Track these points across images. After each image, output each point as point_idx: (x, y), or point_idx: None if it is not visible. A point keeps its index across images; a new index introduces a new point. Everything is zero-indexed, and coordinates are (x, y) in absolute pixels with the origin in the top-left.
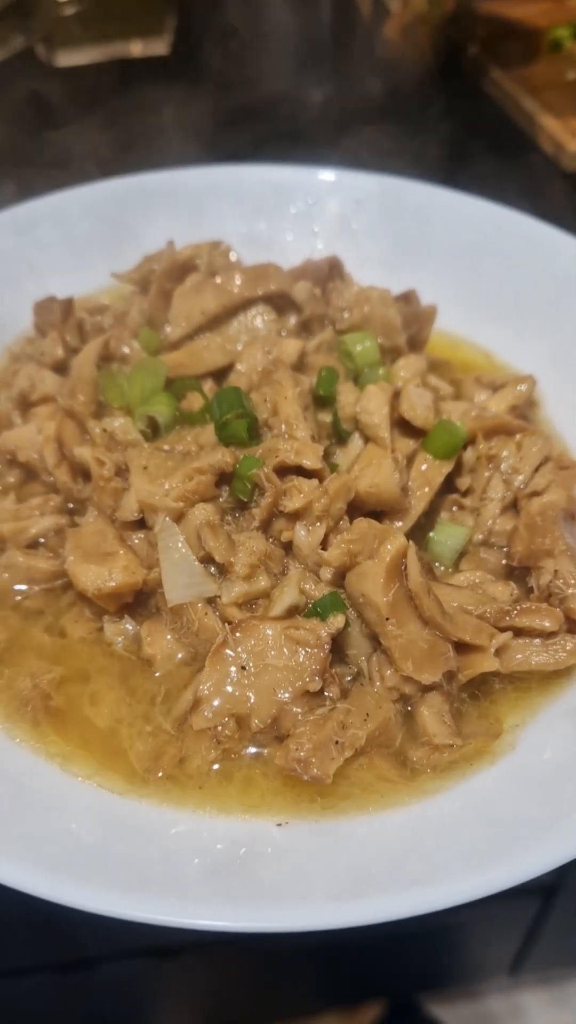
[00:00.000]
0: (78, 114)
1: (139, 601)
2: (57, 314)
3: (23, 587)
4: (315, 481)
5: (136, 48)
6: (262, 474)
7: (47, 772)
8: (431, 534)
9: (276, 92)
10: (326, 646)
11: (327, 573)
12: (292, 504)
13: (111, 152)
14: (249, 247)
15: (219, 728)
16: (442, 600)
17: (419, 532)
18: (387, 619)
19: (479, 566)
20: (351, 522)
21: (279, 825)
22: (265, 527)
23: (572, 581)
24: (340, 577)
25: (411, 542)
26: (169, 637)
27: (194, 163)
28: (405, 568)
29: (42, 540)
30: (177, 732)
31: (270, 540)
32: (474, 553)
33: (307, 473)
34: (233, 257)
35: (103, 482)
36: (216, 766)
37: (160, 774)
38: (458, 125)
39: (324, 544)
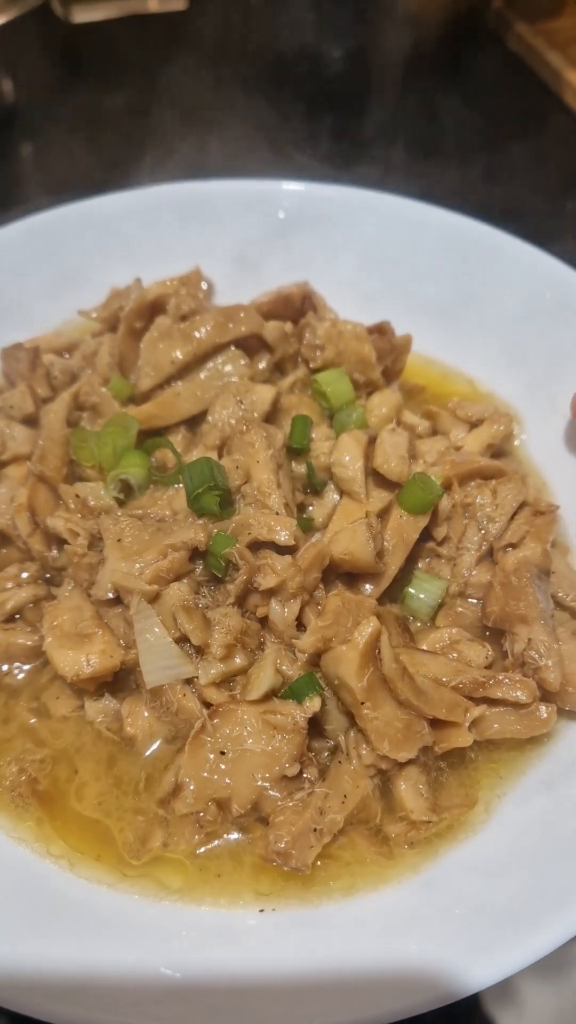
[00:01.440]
0: (95, 71)
1: (119, 678)
2: (25, 363)
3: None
4: (288, 558)
5: (153, 3)
6: (235, 552)
7: (29, 859)
8: (408, 588)
9: (296, 49)
10: (303, 731)
11: (303, 655)
12: (266, 583)
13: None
14: (221, 265)
15: (201, 813)
16: (417, 670)
17: (395, 583)
18: (362, 703)
19: (456, 621)
20: (326, 582)
21: (261, 911)
22: (240, 602)
23: (543, 651)
24: (316, 657)
25: (384, 626)
26: (148, 715)
27: (172, 178)
28: (379, 652)
29: (17, 616)
30: (162, 813)
31: (246, 614)
32: (451, 606)
33: (281, 546)
34: (205, 287)
35: (77, 558)
36: (201, 849)
37: (147, 857)
38: (481, 81)
39: (300, 615)
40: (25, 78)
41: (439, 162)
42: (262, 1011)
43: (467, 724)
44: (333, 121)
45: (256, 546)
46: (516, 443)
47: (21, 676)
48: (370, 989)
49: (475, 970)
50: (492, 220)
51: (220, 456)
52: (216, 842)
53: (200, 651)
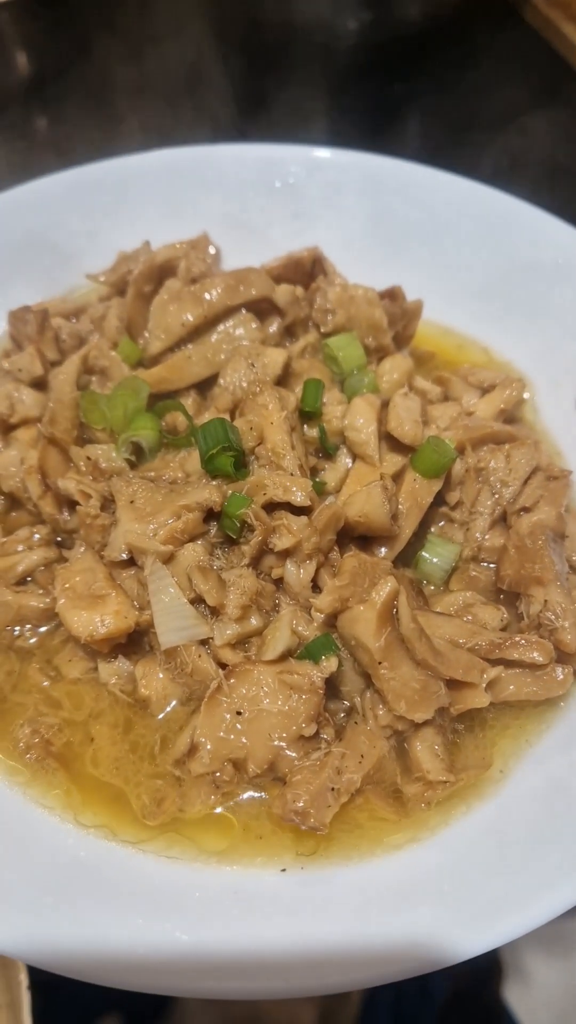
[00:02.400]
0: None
1: (133, 640)
2: (33, 326)
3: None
4: (304, 518)
5: None
6: (250, 513)
7: (47, 820)
8: (422, 552)
9: (309, 20)
10: (320, 691)
11: (319, 615)
12: (282, 543)
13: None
14: (230, 230)
15: (217, 773)
16: (433, 632)
17: (408, 547)
18: (380, 663)
19: (469, 585)
20: (340, 547)
21: (283, 871)
22: (255, 563)
23: (560, 612)
24: (332, 617)
25: (401, 586)
26: (163, 677)
27: (174, 143)
28: (396, 612)
29: (29, 578)
30: (177, 774)
31: (261, 576)
32: (464, 570)
33: (296, 507)
34: (213, 251)
35: (90, 519)
36: (218, 810)
37: (162, 819)
38: (497, 54)
39: (315, 577)
40: (38, 52)
41: (454, 135)
42: (275, 972)
43: (484, 685)
44: (347, 93)
45: (271, 507)
46: (529, 411)
47: (33, 640)
48: (382, 950)
49: (486, 931)
50: (507, 191)
51: (232, 419)
52: (231, 802)
53: (215, 612)
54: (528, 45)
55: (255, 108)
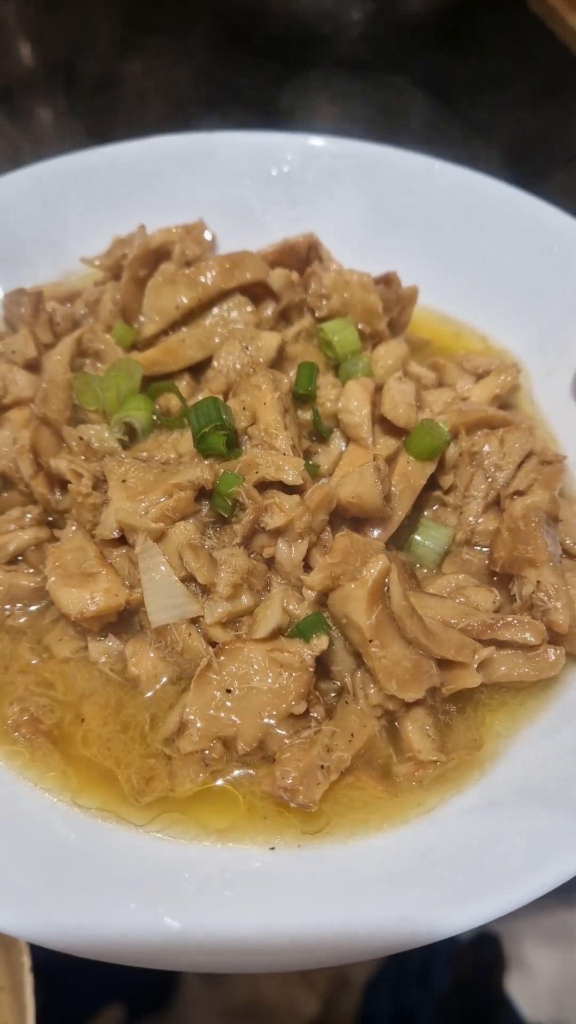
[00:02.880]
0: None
1: (123, 619)
2: (27, 308)
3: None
4: (296, 497)
5: None
6: (242, 491)
7: (35, 797)
8: (414, 535)
9: (315, 10)
10: (310, 669)
11: (310, 593)
12: (273, 522)
13: None
14: (226, 218)
15: (206, 751)
16: (425, 613)
17: (401, 531)
18: (371, 641)
19: (462, 568)
20: (333, 530)
21: (272, 849)
22: (247, 543)
23: (552, 593)
24: (323, 596)
25: (393, 564)
26: (153, 655)
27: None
28: (388, 590)
29: (20, 557)
30: (167, 752)
31: (252, 555)
32: (457, 554)
33: (288, 487)
34: (208, 237)
35: (81, 497)
36: (205, 788)
37: (151, 797)
38: (501, 43)
39: (307, 557)
40: (42, 40)
41: (457, 125)
42: (266, 950)
43: (475, 665)
44: (349, 83)
45: (263, 486)
46: (525, 399)
47: (24, 619)
48: (371, 926)
49: (474, 908)
50: (510, 182)
51: (226, 401)
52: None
53: (206, 590)
54: (533, 35)
55: (259, 98)
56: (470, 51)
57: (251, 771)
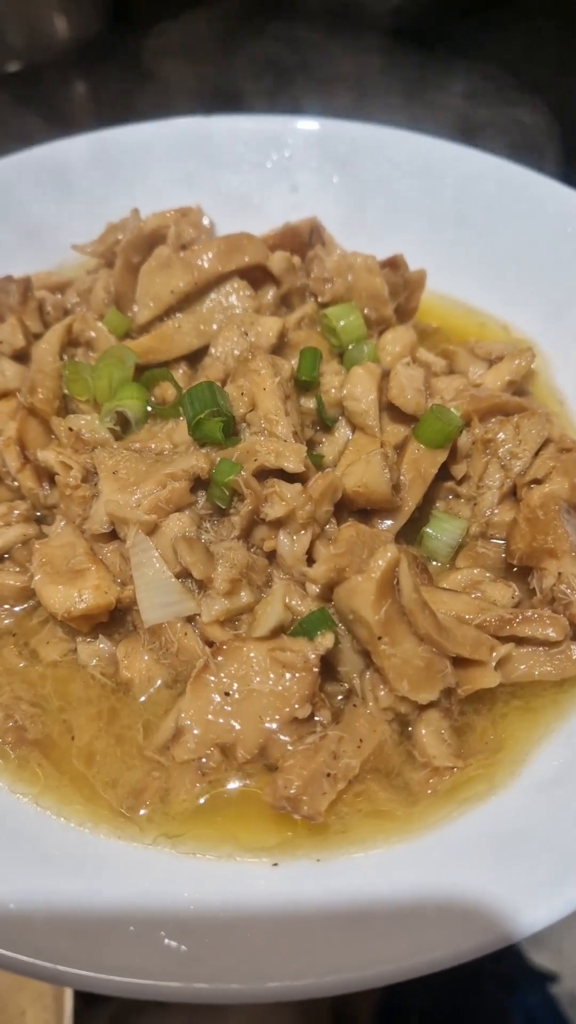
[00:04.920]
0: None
1: (114, 619)
2: (15, 296)
3: None
4: (298, 486)
5: None
6: (240, 480)
7: (20, 808)
8: (426, 528)
9: None
10: (315, 669)
11: (314, 587)
12: (274, 512)
13: None
14: (225, 203)
15: (203, 759)
16: (439, 609)
17: (412, 525)
18: (379, 638)
19: (477, 562)
20: (338, 523)
21: (275, 865)
22: (246, 535)
23: None
24: (328, 590)
25: (403, 555)
26: (147, 658)
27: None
28: (397, 582)
29: (6, 555)
30: (160, 761)
31: (252, 549)
32: (472, 547)
33: (289, 475)
34: (205, 222)
35: (70, 490)
36: (202, 800)
37: (143, 811)
38: (524, 18)
39: (310, 551)
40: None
41: (476, 102)
42: (270, 966)
43: (493, 664)
44: (367, 61)
45: (263, 475)
46: (543, 385)
47: (9, 620)
48: (389, 939)
49: (504, 924)
50: (530, 164)
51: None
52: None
53: (202, 587)
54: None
55: (282, 78)
56: (492, 25)
57: (251, 781)
